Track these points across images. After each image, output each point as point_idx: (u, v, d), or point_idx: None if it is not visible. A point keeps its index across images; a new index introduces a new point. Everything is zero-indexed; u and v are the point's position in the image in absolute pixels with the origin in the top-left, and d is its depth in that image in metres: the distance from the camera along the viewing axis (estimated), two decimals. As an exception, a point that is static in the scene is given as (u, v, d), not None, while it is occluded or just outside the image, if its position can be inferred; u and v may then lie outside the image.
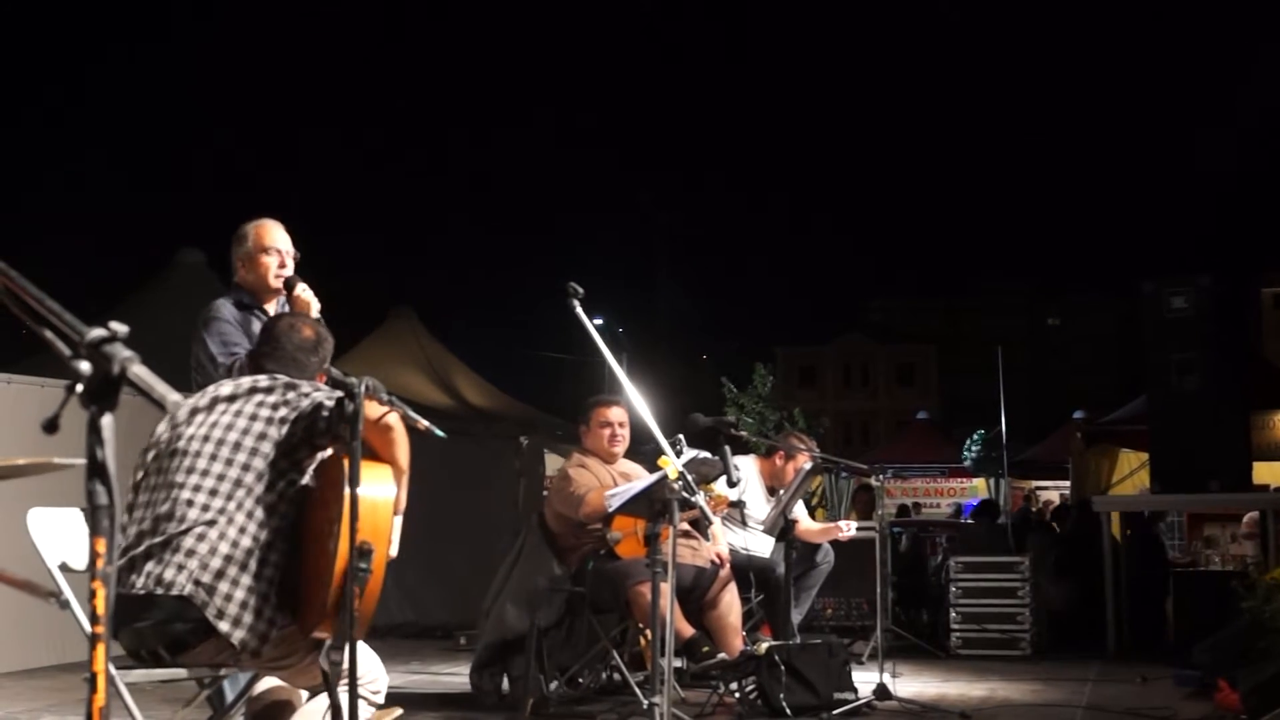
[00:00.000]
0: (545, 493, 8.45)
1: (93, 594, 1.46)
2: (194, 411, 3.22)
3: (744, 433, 7.22)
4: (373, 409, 3.02)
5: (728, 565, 6.16)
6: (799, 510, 7.09)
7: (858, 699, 5.82)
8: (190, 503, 3.06)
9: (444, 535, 9.61)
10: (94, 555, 1.46)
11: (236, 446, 3.12)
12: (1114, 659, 8.21)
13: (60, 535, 3.44)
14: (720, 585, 6.08)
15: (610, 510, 5.57)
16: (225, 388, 3.29)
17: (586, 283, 4.22)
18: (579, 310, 4.23)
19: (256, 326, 4.10)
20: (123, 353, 1.44)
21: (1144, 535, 10.32)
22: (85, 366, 1.43)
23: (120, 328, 1.46)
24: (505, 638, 6.06)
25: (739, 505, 6.59)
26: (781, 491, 6.88)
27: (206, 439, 3.15)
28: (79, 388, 1.42)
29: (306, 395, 3.19)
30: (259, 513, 3.07)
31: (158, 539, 3.04)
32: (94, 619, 1.48)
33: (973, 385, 46.21)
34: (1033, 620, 8.55)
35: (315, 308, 4.20)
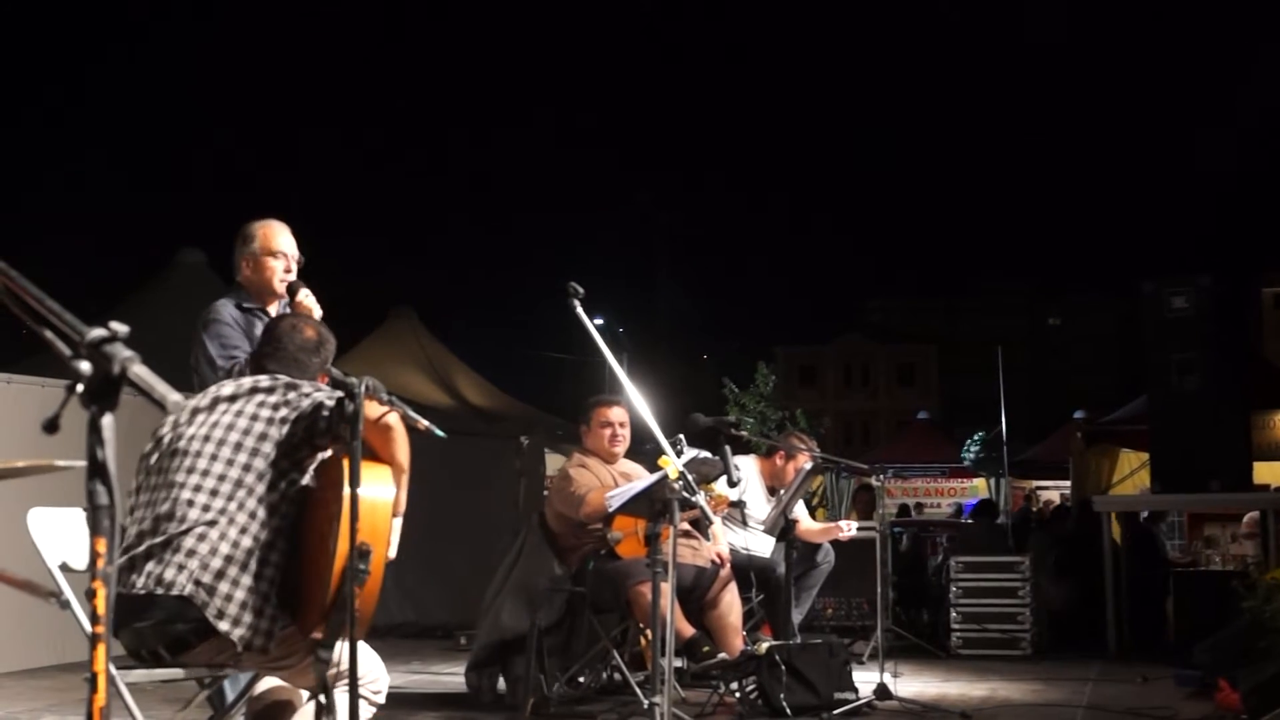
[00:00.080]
0: (546, 493, 8.44)
1: (93, 594, 1.47)
2: (195, 411, 3.22)
3: (744, 432, 7.22)
4: (373, 409, 3.02)
5: (728, 565, 6.16)
6: (799, 510, 7.09)
7: (858, 699, 5.82)
8: (191, 503, 3.06)
9: (444, 535, 9.61)
10: (94, 555, 1.46)
11: (237, 446, 3.12)
12: (1115, 659, 8.21)
13: (61, 535, 3.43)
14: (721, 585, 6.08)
15: (611, 510, 5.57)
16: (226, 388, 3.29)
17: (586, 283, 4.23)
18: (579, 310, 4.23)
19: (259, 329, 4.10)
20: (123, 353, 1.44)
21: (1140, 534, 10.31)
22: (86, 366, 1.43)
23: (120, 328, 1.46)
24: (503, 638, 6.06)
25: (739, 505, 6.59)
26: (782, 491, 6.88)
27: (207, 439, 3.15)
28: (79, 388, 1.42)
29: (307, 395, 3.19)
30: (260, 513, 3.07)
31: (158, 539, 3.04)
32: (94, 619, 1.48)
33: (973, 385, 46.25)
34: (1033, 620, 8.55)
35: (317, 314, 4.20)
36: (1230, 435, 8.78)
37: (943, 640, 8.75)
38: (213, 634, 2.97)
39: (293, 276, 4.33)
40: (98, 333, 1.45)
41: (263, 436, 3.13)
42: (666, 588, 4.27)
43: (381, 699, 3.24)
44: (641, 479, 5.68)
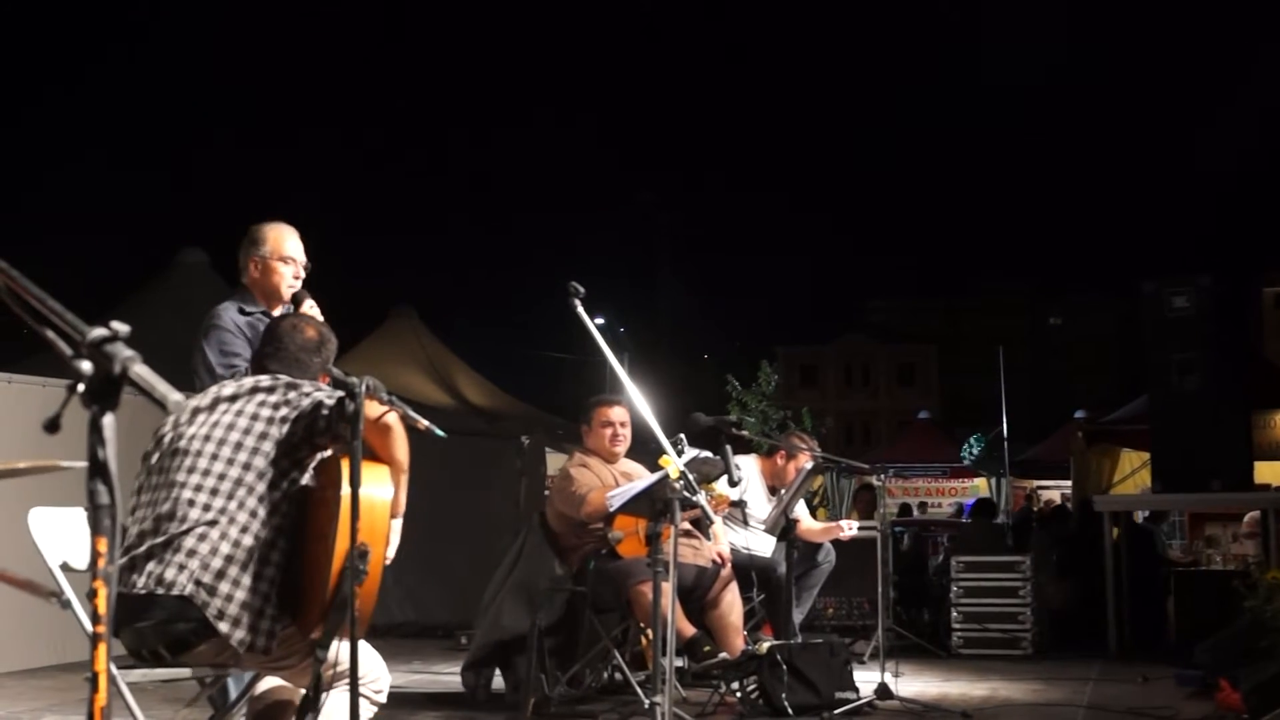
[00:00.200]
0: (546, 492, 8.44)
1: (94, 593, 1.47)
2: (196, 411, 3.22)
3: (745, 432, 7.22)
4: (373, 408, 3.02)
5: (729, 565, 6.16)
6: (800, 509, 7.09)
7: (859, 698, 5.82)
8: (192, 502, 3.06)
9: (444, 535, 9.61)
10: (95, 555, 1.46)
11: (238, 446, 3.12)
12: (1115, 658, 8.21)
13: (61, 535, 3.44)
14: (721, 585, 6.08)
15: (611, 510, 5.56)
16: (227, 387, 3.30)
17: (587, 282, 4.22)
18: (580, 309, 4.23)
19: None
20: (124, 352, 1.44)
21: (1136, 534, 10.31)
22: (87, 366, 1.43)
23: (121, 327, 1.46)
24: (503, 638, 6.07)
25: (740, 504, 6.59)
26: (783, 491, 6.88)
27: (208, 438, 3.15)
28: (80, 387, 1.42)
29: (307, 395, 3.19)
30: (261, 512, 3.07)
31: (159, 538, 3.04)
32: (95, 618, 1.48)
33: (973, 385, 46.29)
34: (1034, 620, 8.55)
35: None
36: (1231, 435, 8.79)
37: (943, 640, 8.76)
38: (213, 634, 2.97)
39: (299, 284, 4.33)
40: (99, 332, 1.45)
41: (263, 436, 3.13)
42: (667, 587, 4.27)
43: (383, 698, 3.24)
44: (642, 478, 5.68)
